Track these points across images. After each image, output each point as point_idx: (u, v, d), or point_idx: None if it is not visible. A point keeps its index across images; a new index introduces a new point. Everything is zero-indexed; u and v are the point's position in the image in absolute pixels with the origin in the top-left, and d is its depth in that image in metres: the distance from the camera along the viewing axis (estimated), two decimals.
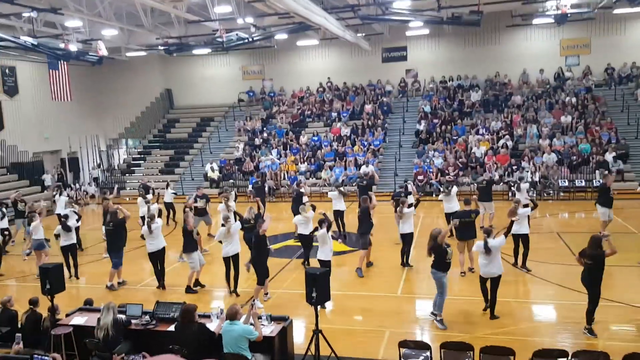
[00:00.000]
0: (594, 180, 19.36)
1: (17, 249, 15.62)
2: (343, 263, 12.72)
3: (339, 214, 15.04)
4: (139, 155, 28.59)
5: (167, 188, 18.18)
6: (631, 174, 19.78)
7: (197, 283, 11.14)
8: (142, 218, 14.75)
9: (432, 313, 8.93)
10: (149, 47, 23.71)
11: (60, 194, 17.67)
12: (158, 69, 30.35)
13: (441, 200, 14.20)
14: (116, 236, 11.67)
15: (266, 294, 10.38)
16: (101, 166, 28.06)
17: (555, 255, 12.14)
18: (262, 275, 9.87)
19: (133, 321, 7.58)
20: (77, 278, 12.38)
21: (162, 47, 22.10)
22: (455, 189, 13.81)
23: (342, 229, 15.08)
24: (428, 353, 6.71)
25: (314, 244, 11.39)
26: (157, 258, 11.13)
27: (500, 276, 8.83)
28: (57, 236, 12.30)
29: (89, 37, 20.65)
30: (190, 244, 10.87)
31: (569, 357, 6.32)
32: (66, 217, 13.14)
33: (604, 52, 24.63)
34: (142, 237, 11.80)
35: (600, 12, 21.13)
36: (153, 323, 7.58)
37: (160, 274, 11.24)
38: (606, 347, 6.67)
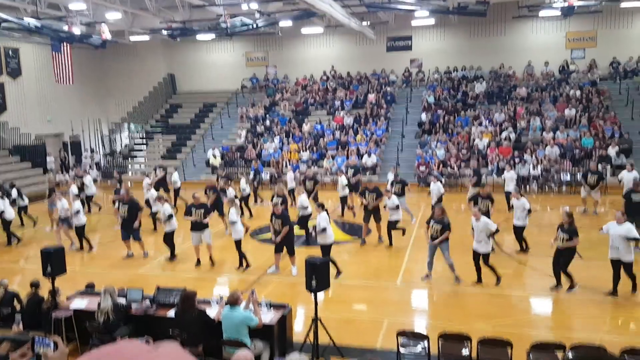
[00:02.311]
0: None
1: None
2: (343, 252, 12.75)
3: (344, 200, 15.64)
4: (141, 140, 28.57)
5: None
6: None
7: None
8: (147, 202, 15.08)
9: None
10: (152, 31, 23.57)
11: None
12: (161, 53, 30.22)
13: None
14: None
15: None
16: (96, 151, 28.06)
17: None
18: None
19: (133, 305, 7.62)
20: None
21: (165, 32, 21.99)
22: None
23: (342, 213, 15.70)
24: (426, 343, 6.75)
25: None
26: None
27: (487, 254, 9.85)
28: None
29: (93, 20, 20.54)
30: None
31: (567, 350, 6.35)
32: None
33: (610, 46, 24.44)
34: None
35: (607, 5, 20.97)
36: (153, 308, 7.63)
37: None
38: (604, 341, 6.69)
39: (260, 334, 6.80)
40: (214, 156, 24.24)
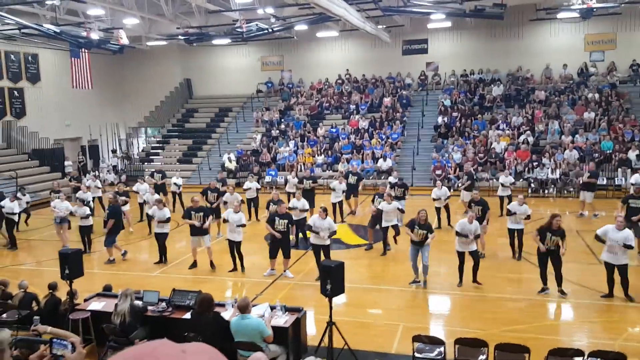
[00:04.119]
0: (616, 178, 19.03)
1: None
2: (357, 256, 12.71)
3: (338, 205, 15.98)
4: (157, 144, 28.84)
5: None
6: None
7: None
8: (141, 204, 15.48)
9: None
10: (169, 36, 23.82)
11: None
12: (178, 58, 30.51)
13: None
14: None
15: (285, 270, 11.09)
16: (116, 153, 28.39)
17: (574, 253, 11.96)
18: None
19: (149, 308, 7.67)
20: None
21: (182, 37, 22.20)
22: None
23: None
24: (442, 348, 6.68)
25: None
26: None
27: (471, 252, 10.04)
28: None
29: (111, 25, 20.83)
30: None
31: (585, 357, 6.24)
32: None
33: (630, 48, 24.06)
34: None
35: (627, 7, 20.65)
36: (169, 310, 7.66)
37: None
38: (623, 348, 6.56)
39: (275, 337, 6.78)
40: (230, 160, 24.36)
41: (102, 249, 13.39)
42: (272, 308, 7.36)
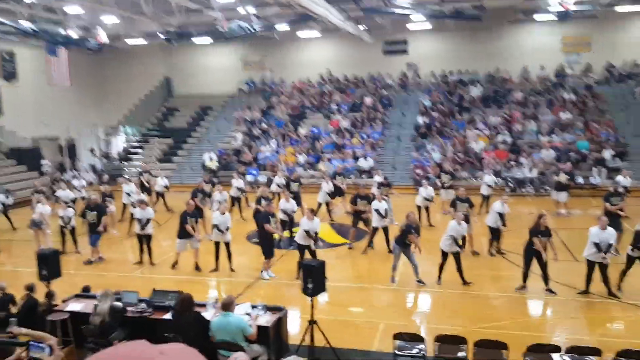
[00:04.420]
0: (591, 178, 19.43)
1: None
2: (339, 255, 12.77)
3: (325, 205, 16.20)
4: (137, 144, 28.55)
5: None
6: (630, 173, 19.78)
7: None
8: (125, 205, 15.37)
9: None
10: (149, 35, 23.61)
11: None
12: (158, 57, 30.21)
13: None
14: None
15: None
16: (94, 152, 28.03)
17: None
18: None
19: (129, 308, 7.60)
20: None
21: (162, 36, 22.01)
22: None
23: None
24: (422, 345, 6.76)
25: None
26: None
27: (453, 253, 10.17)
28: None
29: (90, 24, 20.56)
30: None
31: (562, 352, 6.38)
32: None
33: (605, 50, 24.57)
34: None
35: (603, 10, 21.07)
36: (149, 311, 7.60)
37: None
38: (599, 343, 6.71)
39: (256, 337, 6.78)
40: (211, 159, 24.23)
41: (81, 250, 13.28)
42: (254, 307, 7.37)
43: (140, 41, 25.21)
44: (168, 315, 7.30)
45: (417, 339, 6.84)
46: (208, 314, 7.16)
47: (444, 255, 10.26)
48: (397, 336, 6.83)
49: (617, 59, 24.61)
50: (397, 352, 6.76)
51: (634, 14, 23.09)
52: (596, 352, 6.27)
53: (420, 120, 24.31)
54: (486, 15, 18.71)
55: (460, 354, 6.61)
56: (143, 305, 7.69)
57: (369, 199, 13.23)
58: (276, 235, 11.51)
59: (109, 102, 30.48)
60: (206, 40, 23.78)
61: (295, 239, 11.18)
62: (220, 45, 28.44)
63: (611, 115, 22.53)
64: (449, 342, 6.74)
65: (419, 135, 23.71)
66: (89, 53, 25.01)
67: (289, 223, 13.29)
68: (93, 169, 26.85)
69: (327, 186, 16.12)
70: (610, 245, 9.34)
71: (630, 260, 9.59)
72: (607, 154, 20.26)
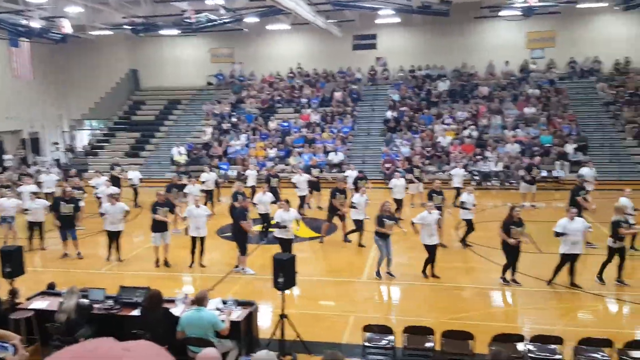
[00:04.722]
0: (554, 171, 19.98)
1: None
2: (311, 249, 12.82)
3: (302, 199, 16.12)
4: (103, 138, 27.96)
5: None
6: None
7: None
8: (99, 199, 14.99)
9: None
10: (115, 26, 23.07)
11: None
12: (124, 48, 29.59)
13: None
14: None
15: (237, 266, 10.97)
16: (58, 145, 27.35)
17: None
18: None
19: (96, 305, 7.49)
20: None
21: (128, 27, 21.56)
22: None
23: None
24: (391, 337, 6.87)
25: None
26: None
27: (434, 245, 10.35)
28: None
29: (53, 14, 19.98)
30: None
31: (527, 342, 6.57)
32: None
33: (568, 46, 25.24)
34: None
35: (566, 6, 21.59)
36: (117, 308, 7.51)
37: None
38: (562, 332, 6.94)
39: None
40: (179, 153, 23.93)
41: (47, 246, 13.01)
42: (225, 303, 7.35)
43: (106, 32, 24.63)
44: (136, 312, 7.22)
45: (386, 330, 6.94)
46: (177, 309, 7.11)
47: (427, 247, 10.34)
48: (367, 328, 6.93)
49: (579, 55, 25.30)
50: (366, 344, 6.85)
51: (595, 11, 23.71)
52: (559, 340, 6.49)
53: (389, 114, 24.52)
54: (453, 11, 18.94)
55: (428, 345, 6.75)
56: (110, 302, 7.60)
57: (346, 194, 13.32)
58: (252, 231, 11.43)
59: (74, 95, 29.74)
60: (173, 31, 23.40)
61: (275, 234, 11.05)
62: (188, 37, 28.04)
63: (573, 110, 23.18)
64: (417, 333, 6.87)
65: (388, 130, 23.93)
66: (52, 44, 24.32)
67: (265, 216, 13.22)
68: (57, 163, 26.20)
69: (301, 178, 16.09)
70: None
71: (612, 252, 9.79)
72: (570, 147, 20.85)
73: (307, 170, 17.13)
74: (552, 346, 6.53)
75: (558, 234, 9.57)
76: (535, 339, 6.60)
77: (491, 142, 21.79)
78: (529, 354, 6.46)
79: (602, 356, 6.38)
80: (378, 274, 10.49)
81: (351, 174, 16.62)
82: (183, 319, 6.57)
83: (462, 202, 12.08)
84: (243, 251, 10.92)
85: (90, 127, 29.60)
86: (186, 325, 6.50)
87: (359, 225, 12.58)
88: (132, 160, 24.36)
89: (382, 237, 10.27)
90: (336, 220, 13.42)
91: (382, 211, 10.34)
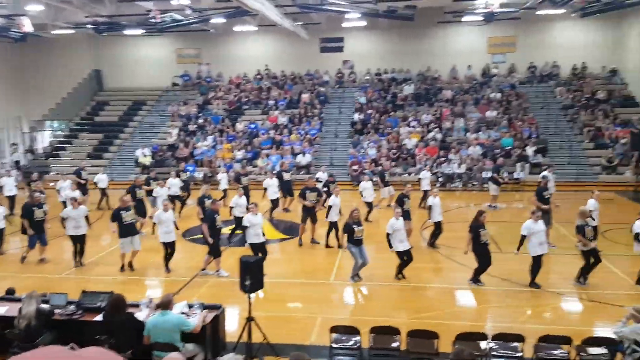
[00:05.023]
0: (515, 173, 20.52)
1: None
2: (278, 251, 12.82)
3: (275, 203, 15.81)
4: (65, 139, 27.25)
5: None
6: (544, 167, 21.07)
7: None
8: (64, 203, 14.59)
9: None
10: (77, 25, 22.53)
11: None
12: (87, 48, 28.92)
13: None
14: None
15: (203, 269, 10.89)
16: (17, 146, 26.54)
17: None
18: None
19: (57, 311, 7.32)
20: None
21: (91, 26, 21.11)
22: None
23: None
24: (358, 337, 6.94)
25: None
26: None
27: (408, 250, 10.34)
28: None
29: (13, 12, 19.36)
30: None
31: (489, 340, 6.74)
32: None
33: (528, 51, 26.02)
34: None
35: (526, 12, 22.21)
36: (79, 313, 7.35)
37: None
38: (523, 330, 7.13)
39: (191, 336, 6.71)
40: (144, 155, 23.57)
41: (5, 251, 12.64)
42: (190, 307, 7.28)
43: (68, 31, 24.03)
44: (99, 317, 7.09)
45: (352, 331, 7.01)
46: (142, 314, 7.00)
47: (400, 254, 10.34)
48: (334, 329, 6.98)
49: (539, 60, 26.08)
50: (333, 345, 6.91)
51: (554, 17, 24.45)
52: (520, 338, 6.67)
53: (356, 117, 24.73)
54: (418, 16, 19.28)
55: (394, 344, 6.84)
56: (72, 307, 7.43)
57: (318, 192, 13.33)
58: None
59: (34, 95, 28.88)
60: (138, 31, 23.02)
61: (247, 239, 10.84)
62: (154, 37, 27.66)
63: (533, 114, 23.86)
64: (384, 333, 6.95)
65: (355, 132, 24.12)
66: (12, 43, 23.60)
67: (240, 220, 13.00)
68: (17, 165, 25.41)
69: (272, 182, 16.01)
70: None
71: (586, 255, 9.95)
72: (530, 150, 21.45)
73: (279, 174, 17.09)
74: (514, 344, 6.71)
75: (524, 236, 9.77)
76: (497, 337, 6.76)
77: (454, 145, 22.23)
78: (492, 352, 6.62)
79: (561, 353, 6.60)
80: (353, 278, 10.46)
81: (322, 176, 16.66)
82: (148, 323, 6.48)
83: (430, 206, 12.24)
84: (217, 254, 10.79)
85: (51, 128, 28.80)
86: (152, 329, 6.41)
87: (334, 226, 12.60)
88: (95, 162, 23.84)
89: (355, 244, 10.24)
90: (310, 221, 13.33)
91: (350, 218, 10.33)
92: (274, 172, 17.51)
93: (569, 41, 25.72)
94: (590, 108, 23.68)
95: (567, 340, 6.58)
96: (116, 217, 11.04)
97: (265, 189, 16.13)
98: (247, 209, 11.29)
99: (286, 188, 16.84)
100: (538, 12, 22.65)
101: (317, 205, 13.08)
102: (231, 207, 13.03)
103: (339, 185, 16.55)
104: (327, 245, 12.82)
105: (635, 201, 18.13)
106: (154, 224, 11.47)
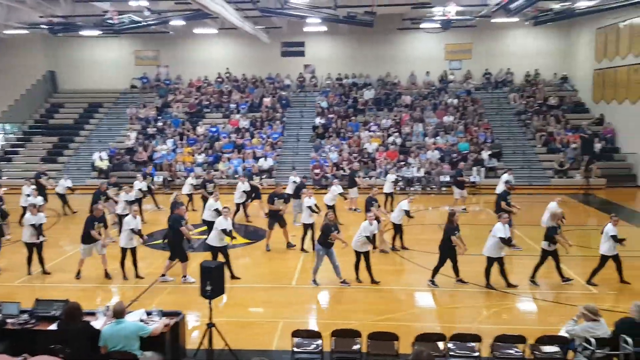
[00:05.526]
0: (472, 176, 21.04)
1: None
2: (241, 256, 12.75)
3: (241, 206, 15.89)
4: (18, 142, 26.29)
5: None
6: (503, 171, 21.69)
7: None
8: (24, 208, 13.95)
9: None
10: (31, 25, 21.81)
11: None
12: (41, 49, 28.01)
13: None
14: None
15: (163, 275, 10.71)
16: None
17: (436, 245, 13.01)
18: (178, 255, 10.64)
19: (9, 320, 7.09)
20: None
21: (46, 26, 20.48)
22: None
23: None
24: (320, 341, 6.99)
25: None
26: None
27: (364, 252, 10.45)
28: None
29: None
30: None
31: (447, 340, 6.90)
32: None
33: (484, 58, 26.82)
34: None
35: (481, 20, 22.84)
36: (32, 322, 7.14)
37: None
38: (479, 330, 7.33)
39: (150, 344, 6.59)
40: (101, 159, 23.01)
41: None
42: (149, 314, 7.17)
43: (21, 31, 23.23)
44: (54, 326, 6.89)
45: (314, 335, 7.05)
46: (98, 322, 6.84)
47: (358, 254, 10.48)
48: (295, 333, 7.01)
49: (493, 67, 26.88)
50: (295, 349, 6.93)
51: (508, 25, 25.22)
52: (476, 338, 6.86)
53: (318, 121, 24.85)
54: (377, 22, 19.51)
55: (355, 347, 6.92)
56: (25, 316, 7.21)
57: (285, 198, 13.33)
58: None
59: None
60: (94, 32, 22.45)
61: (207, 241, 10.88)
62: (111, 38, 27.05)
63: (488, 119, 24.56)
64: (345, 336, 7.01)
65: (317, 136, 24.23)
66: None
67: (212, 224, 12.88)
68: None
69: (243, 186, 15.86)
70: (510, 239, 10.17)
71: (545, 255, 10.34)
72: (485, 154, 22.07)
73: (250, 177, 16.98)
74: (471, 344, 6.89)
75: (504, 240, 9.96)
76: (455, 338, 6.92)
77: (414, 149, 22.63)
78: (450, 352, 6.78)
79: (516, 352, 6.82)
80: (315, 282, 10.53)
81: (296, 179, 16.50)
82: (104, 332, 6.34)
83: (407, 211, 12.35)
84: (183, 258, 10.71)
85: (3, 131, 27.75)
86: (108, 338, 6.27)
87: (309, 228, 12.65)
88: (50, 165, 23.09)
89: (326, 246, 10.27)
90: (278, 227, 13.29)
91: (329, 220, 10.38)
92: (243, 175, 17.28)
93: (523, 49, 26.61)
94: (543, 114, 24.56)
95: (521, 339, 6.79)
96: (89, 225, 10.80)
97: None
98: (219, 211, 11.34)
99: (254, 192, 16.70)
100: (493, 20, 23.28)
101: (284, 209, 13.09)
102: (216, 210, 12.81)
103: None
104: (302, 250, 12.80)
105: (585, 204, 18.90)
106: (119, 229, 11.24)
